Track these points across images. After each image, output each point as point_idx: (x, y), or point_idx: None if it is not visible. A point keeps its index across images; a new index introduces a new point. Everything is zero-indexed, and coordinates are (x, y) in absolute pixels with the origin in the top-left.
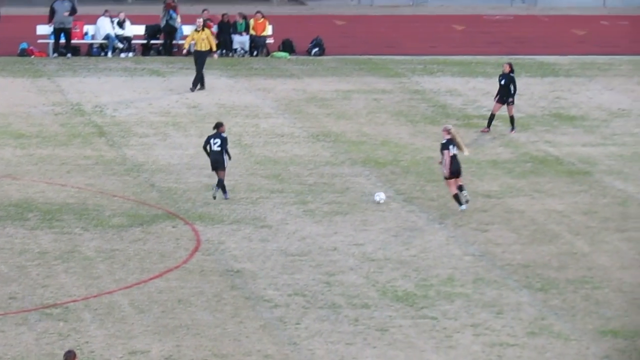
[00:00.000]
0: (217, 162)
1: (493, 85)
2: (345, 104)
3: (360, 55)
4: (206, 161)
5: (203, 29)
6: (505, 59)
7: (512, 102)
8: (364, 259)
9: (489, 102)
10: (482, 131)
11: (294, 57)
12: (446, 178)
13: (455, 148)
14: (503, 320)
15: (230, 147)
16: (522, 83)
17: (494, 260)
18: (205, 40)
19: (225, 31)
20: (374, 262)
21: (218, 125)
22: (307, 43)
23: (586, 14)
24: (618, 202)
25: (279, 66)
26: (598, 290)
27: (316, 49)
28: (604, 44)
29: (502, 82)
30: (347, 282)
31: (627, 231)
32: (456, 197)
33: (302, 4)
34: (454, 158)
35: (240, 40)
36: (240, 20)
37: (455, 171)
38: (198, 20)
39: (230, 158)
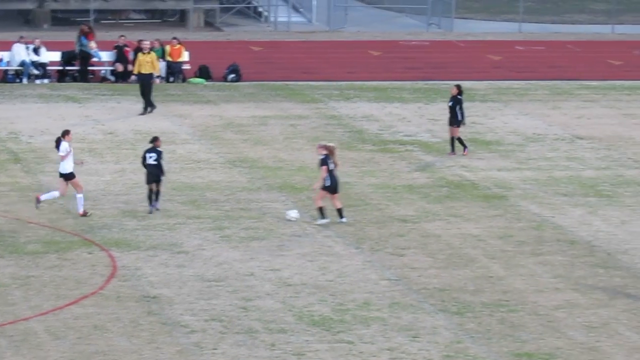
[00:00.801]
0: (153, 175)
1: (409, 111)
2: (262, 130)
3: (277, 81)
4: (122, 187)
5: (149, 52)
6: (421, 84)
7: (458, 124)
8: (280, 284)
9: (405, 127)
10: (449, 154)
11: (210, 83)
12: (322, 189)
13: (332, 164)
14: (419, 344)
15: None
16: (438, 108)
17: (410, 284)
18: (150, 63)
19: None
20: (291, 287)
21: (154, 140)
22: (223, 69)
23: (502, 39)
24: (533, 226)
25: (195, 92)
26: (513, 313)
27: (233, 75)
28: (520, 69)
29: (450, 104)
30: (263, 307)
31: (542, 255)
32: (320, 210)
33: (219, 29)
34: (331, 173)
35: None
36: (157, 47)
37: (332, 186)
38: (144, 42)
39: (163, 173)
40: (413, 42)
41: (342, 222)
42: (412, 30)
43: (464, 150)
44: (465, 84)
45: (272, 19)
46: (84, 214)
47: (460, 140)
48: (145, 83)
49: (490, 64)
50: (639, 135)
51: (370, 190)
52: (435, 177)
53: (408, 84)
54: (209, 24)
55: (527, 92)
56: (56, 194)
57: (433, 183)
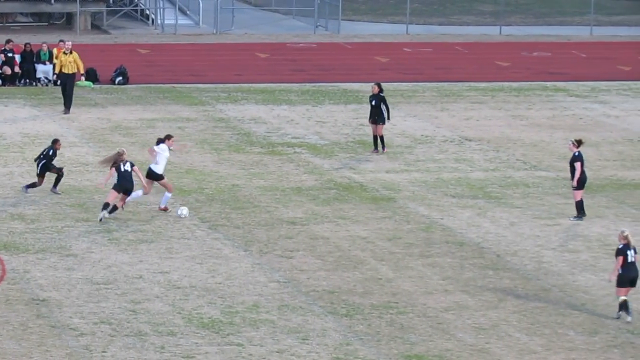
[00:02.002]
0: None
1: (297, 113)
2: (150, 133)
3: (165, 83)
4: (10, 190)
5: (71, 52)
6: (309, 86)
7: (383, 122)
8: (169, 287)
9: (293, 130)
10: (373, 152)
11: (98, 86)
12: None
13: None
14: (308, 346)
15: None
16: (325, 110)
17: (299, 286)
18: (73, 63)
19: (29, 60)
20: (180, 290)
21: (54, 142)
22: (111, 72)
23: (389, 41)
24: (422, 228)
25: (83, 95)
26: (402, 315)
27: (120, 78)
28: (407, 71)
29: (373, 102)
30: (152, 310)
31: (431, 257)
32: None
33: (106, 32)
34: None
35: (44, 70)
36: (44, 50)
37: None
38: (67, 43)
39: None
40: (300, 44)
41: None
42: (300, 33)
43: (383, 149)
44: (352, 86)
45: (159, 21)
46: (165, 209)
47: (381, 139)
48: (68, 83)
49: (377, 66)
50: (527, 137)
51: (258, 193)
52: (324, 180)
53: (296, 86)
54: (96, 27)
55: (415, 93)
56: (140, 192)
57: (321, 185)
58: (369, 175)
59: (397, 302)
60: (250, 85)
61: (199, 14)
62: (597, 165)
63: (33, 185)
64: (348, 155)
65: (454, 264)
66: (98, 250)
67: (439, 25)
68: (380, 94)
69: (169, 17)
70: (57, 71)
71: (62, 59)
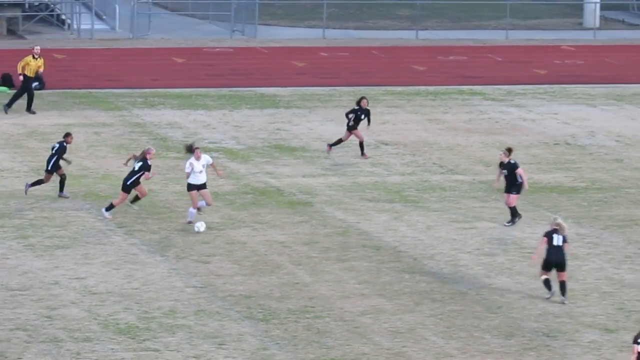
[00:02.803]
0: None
1: (214, 118)
2: None
3: (81, 89)
4: None
5: (39, 58)
6: (225, 91)
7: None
8: (85, 293)
9: (210, 134)
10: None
11: (13, 91)
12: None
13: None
14: (225, 351)
15: None
16: (242, 115)
17: (215, 291)
18: (38, 68)
19: None
20: (96, 296)
21: (65, 135)
22: None
23: (306, 46)
24: (339, 232)
25: None
26: (319, 319)
27: (36, 83)
28: (324, 75)
29: (362, 117)
30: (68, 315)
31: (347, 261)
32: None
33: (22, 37)
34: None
35: None
36: None
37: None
38: (36, 48)
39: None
40: (217, 49)
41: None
42: (216, 37)
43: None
44: (269, 91)
45: (75, 26)
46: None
47: (361, 144)
48: (29, 86)
49: (294, 70)
50: (443, 141)
51: (175, 198)
52: (240, 184)
53: (212, 90)
54: (11, 32)
55: (332, 98)
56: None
57: (238, 190)
58: (286, 180)
59: (314, 307)
60: (166, 90)
61: (115, 19)
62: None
63: (38, 182)
64: (265, 160)
65: (371, 267)
66: (13, 257)
67: (356, 29)
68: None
69: (85, 22)
70: (20, 71)
71: (32, 63)
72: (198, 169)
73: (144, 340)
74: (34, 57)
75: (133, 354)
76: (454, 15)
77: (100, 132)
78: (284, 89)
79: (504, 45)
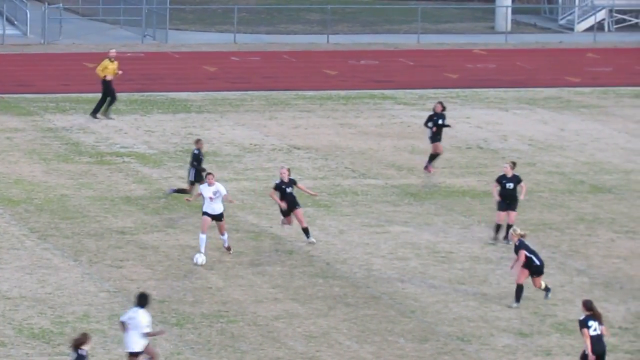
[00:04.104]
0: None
1: (125, 123)
2: None
3: None
4: None
5: (114, 60)
6: (137, 96)
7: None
8: None
9: (122, 139)
10: (432, 171)
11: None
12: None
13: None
14: None
15: None
16: (154, 120)
17: (129, 296)
18: (115, 70)
19: None
20: (10, 300)
21: (196, 142)
22: None
23: (217, 50)
24: (251, 236)
25: None
26: (233, 324)
27: None
28: (235, 80)
29: (440, 121)
30: None
31: (260, 265)
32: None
33: None
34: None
35: None
36: None
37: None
38: (112, 51)
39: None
40: (128, 54)
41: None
42: (127, 42)
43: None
44: (180, 95)
45: None
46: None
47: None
48: (111, 88)
49: (205, 75)
50: (355, 145)
51: (87, 203)
52: (153, 189)
53: (124, 95)
54: None
55: (243, 102)
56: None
57: (150, 194)
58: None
59: (227, 311)
60: (78, 95)
61: (26, 24)
62: (425, 173)
63: (180, 190)
64: (177, 165)
65: (284, 272)
66: None
67: (267, 34)
68: (443, 111)
69: None
70: (101, 76)
71: (109, 66)
72: (208, 194)
73: (58, 344)
74: (110, 60)
75: (47, 359)
76: (365, 19)
77: (12, 137)
78: (196, 93)
79: (416, 50)
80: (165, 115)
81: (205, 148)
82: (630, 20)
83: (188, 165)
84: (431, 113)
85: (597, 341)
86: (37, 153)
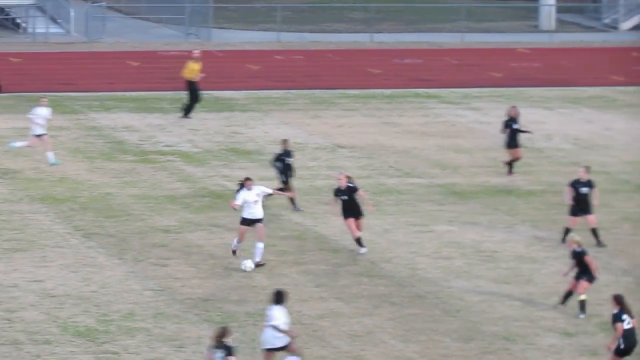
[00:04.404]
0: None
1: (169, 121)
2: None
3: (37, 92)
4: None
5: (198, 61)
6: (181, 94)
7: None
8: (44, 295)
9: (166, 138)
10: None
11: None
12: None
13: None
14: (184, 354)
15: None
16: (198, 119)
17: (173, 294)
18: (198, 70)
19: None
20: (55, 298)
21: (282, 142)
22: None
23: (261, 49)
24: (295, 235)
25: None
26: None
27: None
28: (279, 79)
29: (514, 126)
30: (28, 318)
31: (305, 264)
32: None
33: None
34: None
35: None
36: None
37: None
38: (195, 51)
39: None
40: (172, 52)
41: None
42: (171, 41)
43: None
44: (224, 94)
45: (30, 30)
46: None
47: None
48: (197, 88)
49: (249, 74)
50: (399, 144)
51: (132, 201)
52: (197, 187)
53: (168, 94)
54: None
55: (287, 101)
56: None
57: (195, 193)
58: None
59: None
60: (122, 93)
61: (70, 23)
62: (470, 172)
63: (282, 190)
64: (221, 163)
65: (328, 271)
66: None
67: (310, 32)
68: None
69: (40, 26)
70: (187, 77)
71: (195, 67)
72: (252, 198)
73: (102, 343)
74: (193, 60)
75: (92, 357)
76: (409, 18)
77: (56, 136)
78: (239, 92)
79: (460, 48)
80: (209, 114)
81: (249, 146)
82: None
83: (275, 166)
84: (506, 119)
85: (630, 335)
86: (81, 151)
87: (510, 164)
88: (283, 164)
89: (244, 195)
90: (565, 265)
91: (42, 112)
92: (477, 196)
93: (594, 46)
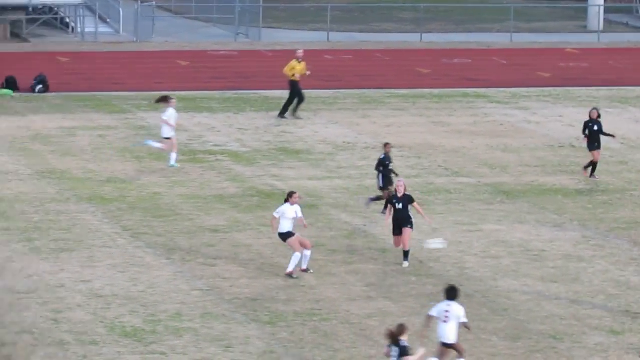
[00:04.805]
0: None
1: (218, 121)
2: (70, 141)
3: (85, 92)
4: None
5: (302, 61)
6: (230, 94)
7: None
8: (91, 296)
9: (215, 137)
10: (586, 175)
11: (17, 95)
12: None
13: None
14: (232, 354)
15: None
16: (247, 118)
17: (221, 294)
18: (303, 70)
19: None
20: (102, 299)
21: (384, 145)
22: (30, 80)
23: (310, 49)
24: (344, 235)
25: (2, 104)
26: (326, 322)
27: (40, 86)
28: (328, 78)
29: (595, 128)
30: (75, 319)
31: (353, 264)
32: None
33: (26, 40)
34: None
35: None
36: None
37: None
38: (299, 52)
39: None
40: (221, 52)
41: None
42: (220, 40)
43: (591, 176)
44: (274, 94)
45: (79, 29)
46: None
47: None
48: (299, 88)
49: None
50: (448, 143)
51: (180, 201)
52: (246, 187)
53: (217, 93)
54: (15, 35)
55: (337, 101)
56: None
57: (243, 193)
58: (291, 183)
59: (320, 309)
60: (171, 93)
61: (119, 22)
62: (518, 171)
63: (378, 198)
64: (270, 163)
65: (377, 270)
66: (19, 260)
67: (360, 32)
68: (599, 118)
69: (89, 25)
70: (291, 77)
71: (298, 67)
72: (291, 215)
73: (150, 343)
74: (298, 60)
75: (140, 357)
76: (458, 18)
77: (104, 135)
78: (288, 92)
79: (508, 48)
80: (258, 114)
81: (298, 146)
82: None
83: (379, 171)
84: (587, 120)
85: None
86: (129, 151)
87: (592, 166)
88: (386, 169)
89: (285, 210)
90: (612, 265)
91: (173, 113)
92: (525, 195)
93: None
